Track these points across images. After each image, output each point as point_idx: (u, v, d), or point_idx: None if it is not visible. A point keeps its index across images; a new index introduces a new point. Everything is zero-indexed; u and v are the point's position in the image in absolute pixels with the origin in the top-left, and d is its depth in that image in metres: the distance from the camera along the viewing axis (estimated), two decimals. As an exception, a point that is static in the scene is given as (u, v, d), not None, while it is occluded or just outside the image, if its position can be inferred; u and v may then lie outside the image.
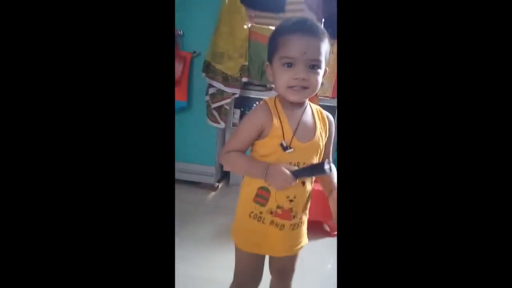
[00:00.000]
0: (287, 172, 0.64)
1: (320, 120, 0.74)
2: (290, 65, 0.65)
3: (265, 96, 2.08)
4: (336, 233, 1.61)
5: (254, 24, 1.94)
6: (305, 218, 0.76)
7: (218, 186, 2.09)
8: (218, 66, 1.85)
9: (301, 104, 0.72)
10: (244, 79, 1.93)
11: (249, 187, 0.72)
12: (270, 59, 0.70)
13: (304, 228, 0.77)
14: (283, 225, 0.71)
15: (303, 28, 0.65)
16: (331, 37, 1.76)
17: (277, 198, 0.69)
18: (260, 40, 1.88)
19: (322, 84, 2.07)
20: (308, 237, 0.79)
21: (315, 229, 1.60)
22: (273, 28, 2.21)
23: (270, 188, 0.69)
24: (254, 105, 2.08)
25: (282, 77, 0.67)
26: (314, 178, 0.74)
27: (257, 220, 0.71)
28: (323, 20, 1.85)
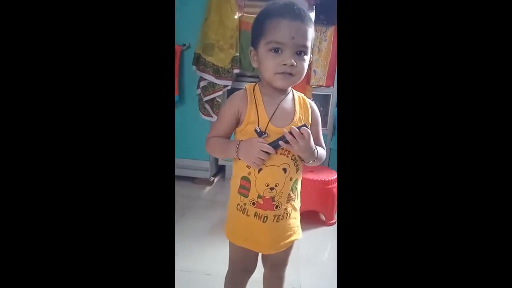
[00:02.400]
0: (260, 141, 0.63)
1: (301, 107, 0.71)
2: (277, 50, 0.63)
3: (258, 87, 2.06)
4: (332, 222, 1.62)
5: (244, 14, 1.90)
6: (292, 210, 0.72)
7: (213, 180, 2.07)
8: (209, 58, 1.81)
9: (283, 91, 0.70)
10: (236, 71, 1.89)
11: (235, 179, 0.71)
12: (254, 44, 0.68)
13: (293, 221, 0.73)
14: (266, 216, 0.69)
15: (292, 12, 0.63)
16: (324, 23, 1.74)
17: (257, 187, 0.67)
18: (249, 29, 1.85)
19: (315, 72, 2.04)
20: (303, 227, 0.77)
21: (311, 219, 1.60)
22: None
23: (249, 177, 0.68)
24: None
25: (269, 63, 0.64)
26: (300, 166, 0.70)
27: (242, 212, 0.70)
28: (314, 6, 1.82)
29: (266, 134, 0.66)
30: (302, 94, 0.75)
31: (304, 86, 1.84)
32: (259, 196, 0.68)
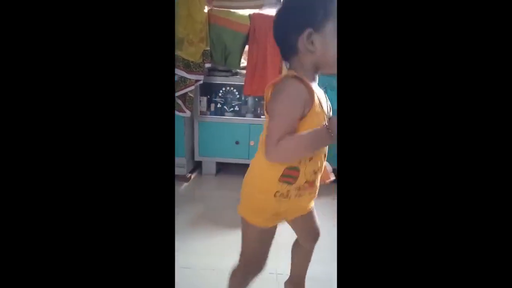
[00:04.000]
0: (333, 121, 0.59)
1: (323, 94, 0.72)
2: None
3: (232, 81, 2.06)
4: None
5: (213, 7, 1.87)
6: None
7: (190, 176, 2.06)
8: (179, 53, 1.77)
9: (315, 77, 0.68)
10: (207, 65, 1.88)
11: (276, 169, 0.67)
12: (314, 24, 0.58)
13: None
14: (309, 194, 0.74)
15: None
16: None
17: (306, 174, 0.68)
18: (221, 23, 1.83)
19: (286, 65, 2.06)
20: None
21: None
22: (233, 10, 2.13)
23: (299, 166, 0.66)
24: (221, 91, 2.06)
25: (334, 47, 0.56)
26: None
27: (283, 198, 0.69)
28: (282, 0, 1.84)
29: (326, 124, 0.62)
30: None
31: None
32: (306, 182, 0.69)
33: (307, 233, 0.86)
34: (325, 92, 0.74)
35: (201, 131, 2.04)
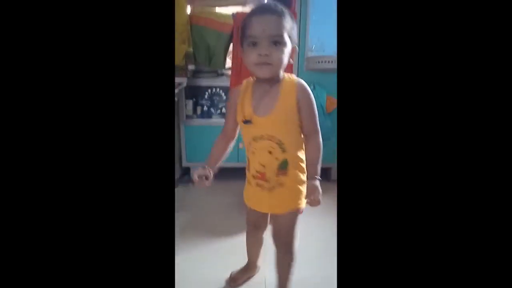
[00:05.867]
0: (195, 176, 0.81)
1: (285, 93, 0.77)
2: (255, 44, 0.72)
3: (218, 83, 2.00)
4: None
5: (195, 8, 1.82)
6: (287, 183, 0.81)
7: (177, 185, 1.99)
8: (161, 55, 1.70)
9: (271, 80, 0.77)
10: (191, 67, 1.82)
11: (247, 157, 0.85)
12: (241, 43, 0.77)
13: (288, 192, 0.82)
14: (263, 185, 0.83)
15: (262, 8, 0.73)
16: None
17: (254, 165, 0.82)
18: (203, 23, 1.77)
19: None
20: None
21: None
22: (215, 10, 2.08)
23: (249, 156, 0.84)
24: (207, 93, 2.00)
25: (249, 56, 0.74)
26: (288, 148, 0.79)
27: (249, 183, 0.87)
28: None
29: (249, 122, 0.77)
30: (296, 79, 0.79)
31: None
32: (256, 171, 0.82)
33: (273, 235, 0.90)
34: (313, 89, 0.77)
35: (188, 135, 1.98)
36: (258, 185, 0.83)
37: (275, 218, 0.88)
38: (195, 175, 0.80)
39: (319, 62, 1.83)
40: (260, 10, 0.73)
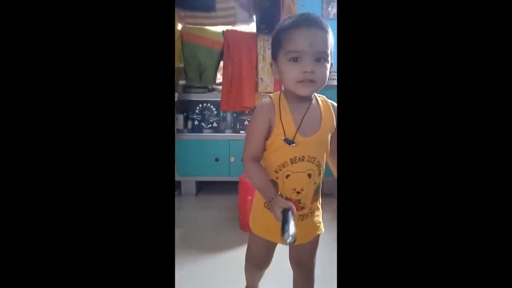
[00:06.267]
0: (279, 212, 0.65)
1: (326, 111, 0.73)
2: (296, 59, 0.65)
3: (208, 97, 2.03)
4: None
5: (186, 25, 1.86)
6: (316, 209, 0.77)
7: (169, 197, 1.96)
8: (152, 71, 1.73)
9: (307, 98, 0.72)
10: (182, 82, 1.84)
11: None
12: (274, 57, 0.71)
13: (316, 218, 0.78)
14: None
15: (308, 21, 0.66)
16: (265, 32, 1.76)
17: (284, 191, 0.72)
18: (194, 40, 1.82)
19: (262, 79, 2.06)
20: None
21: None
22: (207, 27, 2.13)
23: (278, 181, 0.72)
24: (198, 108, 2.02)
25: (290, 72, 0.67)
26: (323, 171, 0.74)
27: (270, 210, 0.72)
28: (254, 16, 1.87)
29: (293, 143, 0.69)
30: (324, 97, 0.76)
31: (253, 93, 1.86)
32: (286, 198, 0.71)
33: (295, 259, 0.83)
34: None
35: (179, 149, 1.98)
36: None
37: (300, 246, 0.78)
38: (277, 213, 0.64)
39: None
40: (306, 23, 0.65)
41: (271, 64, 0.74)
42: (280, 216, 0.64)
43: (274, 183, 0.72)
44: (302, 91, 0.68)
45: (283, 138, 0.69)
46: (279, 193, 0.69)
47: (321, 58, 0.66)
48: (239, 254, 0.98)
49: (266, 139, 0.71)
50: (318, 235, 0.80)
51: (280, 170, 0.71)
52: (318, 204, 0.78)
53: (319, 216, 0.79)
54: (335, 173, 0.76)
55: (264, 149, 0.73)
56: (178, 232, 1.56)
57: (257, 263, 0.84)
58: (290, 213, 0.64)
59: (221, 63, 1.88)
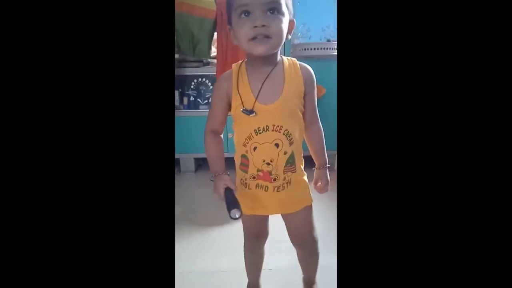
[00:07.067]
0: (221, 190, 0.65)
1: (291, 76, 0.66)
2: (247, 13, 0.59)
3: (203, 72, 1.96)
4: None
5: (176, -7, 1.75)
6: (293, 180, 0.71)
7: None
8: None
9: (270, 62, 0.65)
10: (175, 56, 1.76)
11: (236, 157, 0.73)
12: (230, 20, 0.64)
13: (297, 189, 0.72)
14: (266, 187, 0.71)
15: None
16: None
17: (255, 163, 0.69)
18: (186, 10, 1.71)
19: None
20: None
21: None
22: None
23: (247, 155, 0.69)
24: (193, 83, 1.95)
25: (241, 29, 0.60)
26: (295, 139, 0.70)
27: (244, 187, 0.72)
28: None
29: (254, 113, 0.64)
30: (295, 60, 0.69)
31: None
32: (258, 170, 0.69)
33: (291, 235, 0.81)
34: None
35: (175, 126, 1.94)
36: (259, 186, 0.70)
37: (289, 219, 0.77)
38: (220, 190, 0.64)
39: (305, 49, 1.80)
40: None
41: (228, 29, 0.66)
42: (222, 194, 0.63)
43: (245, 157, 0.69)
44: (257, 49, 0.60)
45: (241, 109, 0.64)
46: (227, 172, 0.68)
47: (274, 9, 0.58)
48: (237, 230, 0.99)
49: (229, 111, 0.69)
50: (308, 207, 0.75)
51: (247, 143, 0.68)
52: (298, 176, 0.72)
53: (302, 188, 0.74)
54: (316, 161, 0.75)
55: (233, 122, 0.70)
56: (177, 209, 1.57)
57: (253, 233, 0.83)
58: (233, 192, 0.64)
59: (215, 36, 1.79)
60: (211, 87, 1.92)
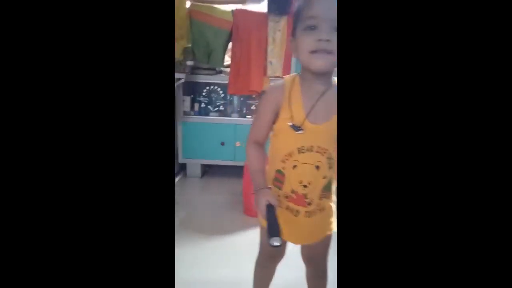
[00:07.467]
0: (263, 205, 0.61)
1: None
2: (313, 27, 0.58)
3: (216, 80, 1.99)
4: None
5: (195, 2, 1.80)
6: (326, 207, 0.70)
7: (175, 179, 1.98)
8: (159, 50, 1.69)
9: (325, 81, 0.63)
10: (189, 63, 1.81)
11: (270, 169, 0.70)
12: (294, 32, 0.64)
13: (326, 217, 0.72)
14: (298, 211, 0.69)
15: None
16: (276, 13, 1.67)
17: (291, 183, 0.67)
18: (203, 19, 1.76)
19: (271, 63, 1.99)
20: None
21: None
22: (216, 6, 2.06)
23: (284, 171, 0.67)
24: (205, 90, 1.99)
25: (304, 42, 0.59)
26: (334, 165, 0.67)
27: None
28: (266, -4, 1.79)
29: (301, 130, 0.63)
30: None
31: (261, 77, 1.82)
32: (292, 191, 0.67)
33: (305, 255, 0.79)
34: None
35: (184, 132, 1.97)
36: (289, 209, 0.68)
37: (308, 245, 0.75)
38: (262, 207, 0.60)
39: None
40: None
41: (290, 41, 0.67)
42: (264, 210, 0.60)
43: (280, 173, 0.67)
44: (317, 63, 0.59)
45: (290, 123, 0.63)
46: (270, 186, 0.65)
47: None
48: (241, 238, 0.97)
49: (274, 123, 0.66)
50: (329, 235, 0.73)
51: (287, 160, 0.66)
52: (330, 203, 0.71)
53: (330, 215, 0.73)
54: None
55: (273, 134, 0.68)
56: (181, 214, 1.58)
57: (270, 254, 0.79)
58: (275, 210, 0.60)
59: (230, 44, 1.84)
60: (222, 95, 1.96)
